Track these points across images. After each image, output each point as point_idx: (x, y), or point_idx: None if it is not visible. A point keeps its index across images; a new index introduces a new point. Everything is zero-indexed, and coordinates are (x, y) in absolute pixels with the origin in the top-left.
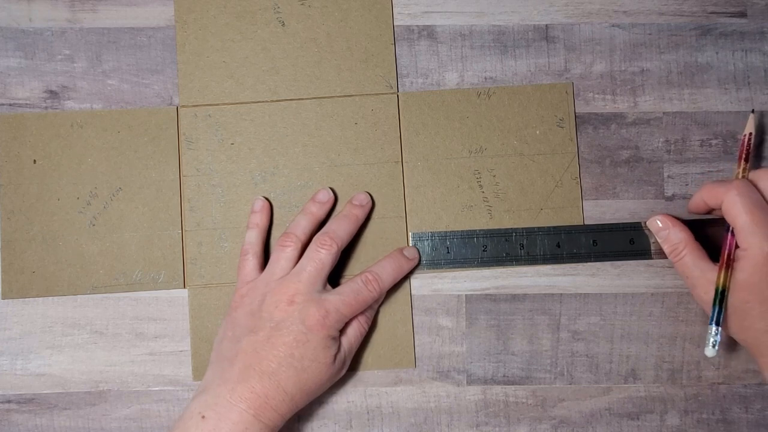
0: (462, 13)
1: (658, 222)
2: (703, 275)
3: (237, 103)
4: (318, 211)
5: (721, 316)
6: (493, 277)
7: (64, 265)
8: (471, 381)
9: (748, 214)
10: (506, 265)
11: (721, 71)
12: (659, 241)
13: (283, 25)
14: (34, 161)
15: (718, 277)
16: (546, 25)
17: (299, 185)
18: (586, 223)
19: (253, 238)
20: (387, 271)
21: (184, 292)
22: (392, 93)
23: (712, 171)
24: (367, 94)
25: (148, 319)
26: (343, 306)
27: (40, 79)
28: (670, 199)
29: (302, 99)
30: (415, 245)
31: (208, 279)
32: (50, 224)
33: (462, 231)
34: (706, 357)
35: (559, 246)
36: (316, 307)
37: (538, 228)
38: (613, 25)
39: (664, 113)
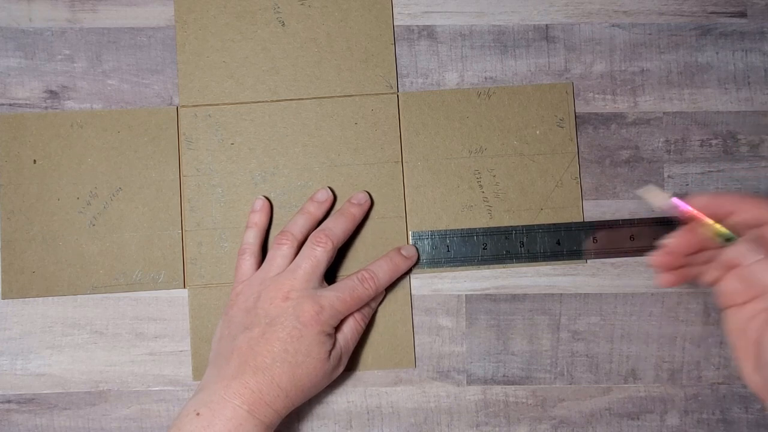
0: (462, 13)
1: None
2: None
3: (237, 103)
4: (316, 210)
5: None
6: (493, 277)
7: (64, 265)
8: (471, 381)
9: None
10: (506, 263)
11: (721, 71)
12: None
13: (283, 25)
14: (34, 161)
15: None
16: (546, 25)
17: (299, 185)
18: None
19: (251, 238)
20: (383, 269)
21: (184, 292)
22: (392, 93)
23: (712, 171)
24: (367, 94)
25: (148, 319)
26: (337, 302)
27: (40, 79)
28: None
29: (302, 99)
30: (414, 244)
31: (208, 279)
32: (50, 224)
33: (462, 229)
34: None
35: (559, 243)
36: (310, 303)
37: (538, 226)
38: (613, 25)
39: (664, 113)
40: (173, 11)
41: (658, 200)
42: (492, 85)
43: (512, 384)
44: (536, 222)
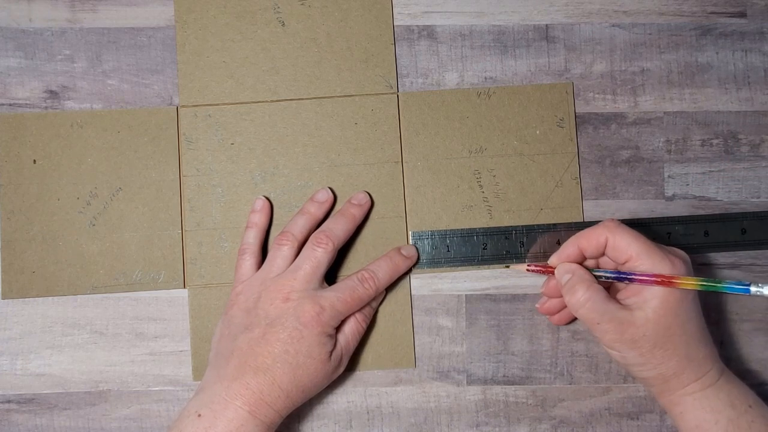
0: (462, 13)
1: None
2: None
3: (237, 103)
4: (316, 211)
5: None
6: (493, 277)
7: (64, 265)
8: (471, 381)
9: (639, 237)
10: (507, 263)
11: (722, 71)
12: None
13: (283, 25)
14: (34, 161)
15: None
16: (546, 25)
17: (299, 185)
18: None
19: (251, 238)
20: (383, 269)
21: (184, 292)
22: (392, 93)
23: (713, 171)
24: (367, 94)
25: (148, 319)
26: (338, 302)
27: (40, 79)
28: (671, 199)
29: (302, 99)
30: (415, 244)
31: (208, 279)
32: (50, 224)
33: (462, 229)
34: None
35: (559, 243)
36: (310, 304)
37: (538, 225)
38: (613, 25)
39: (664, 113)
40: (173, 11)
41: (521, 269)
42: (492, 85)
43: (512, 384)
44: (536, 222)
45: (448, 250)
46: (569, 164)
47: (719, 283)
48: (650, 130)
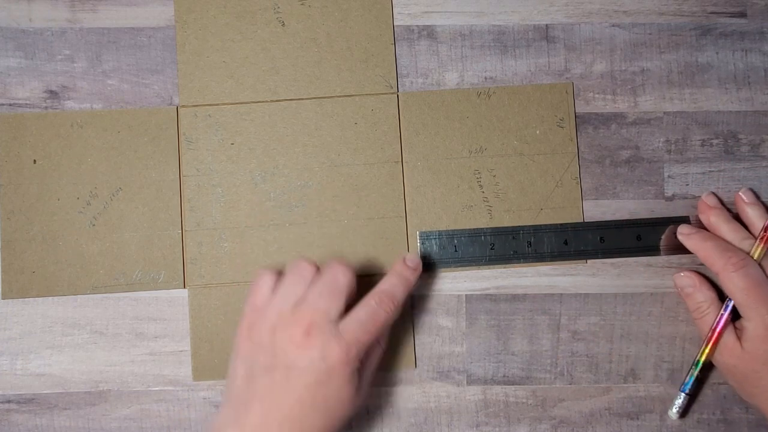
0: (462, 13)
1: (683, 276)
2: (720, 340)
3: (237, 103)
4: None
5: (692, 387)
6: (493, 277)
7: (64, 265)
8: (471, 381)
9: (745, 291)
10: (514, 263)
11: (722, 71)
12: (683, 295)
13: (283, 25)
14: (34, 161)
15: (702, 351)
16: (546, 25)
17: (299, 185)
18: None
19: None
20: (396, 287)
21: (184, 292)
22: (392, 93)
23: (713, 171)
24: (367, 94)
25: (148, 319)
26: (363, 335)
27: (40, 79)
28: (670, 199)
29: (302, 99)
30: (422, 244)
31: (208, 279)
32: (50, 224)
33: (469, 230)
34: (665, 411)
35: (566, 243)
36: (335, 343)
37: (545, 226)
38: (613, 25)
39: (664, 113)
40: (173, 11)
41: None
42: (492, 85)
43: (512, 384)
44: (536, 222)
45: (456, 250)
46: (569, 164)
47: None
48: (650, 130)
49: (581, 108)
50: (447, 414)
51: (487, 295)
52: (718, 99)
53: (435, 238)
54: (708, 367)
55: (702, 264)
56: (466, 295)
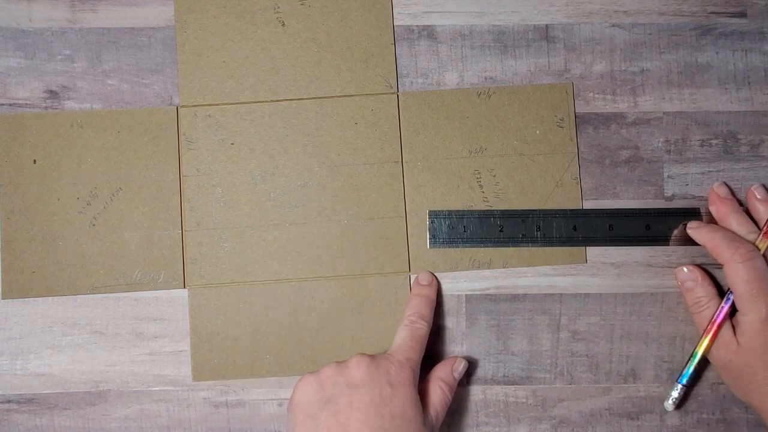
0: (462, 13)
1: (686, 270)
2: (719, 332)
3: (237, 103)
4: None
5: (689, 379)
6: (493, 277)
7: (64, 265)
8: (471, 381)
9: (748, 283)
10: (522, 246)
11: (721, 71)
12: (683, 290)
13: (283, 25)
14: (34, 161)
15: (700, 343)
16: (546, 25)
17: (299, 185)
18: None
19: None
20: (420, 306)
21: (184, 292)
22: (392, 93)
23: (712, 171)
24: (367, 94)
25: (148, 319)
26: (409, 351)
27: (40, 79)
28: (670, 199)
29: (302, 99)
30: (431, 222)
31: (208, 279)
32: (50, 224)
33: (479, 211)
34: (664, 410)
35: (575, 229)
36: (391, 363)
37: (555, 210)
38: (613, 25)
39: (664, 113)
40: (173, 11)
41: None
42: (492, 85)
43: (512, 384)
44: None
45: (465, 230)
46: (569, 164)
47: None
48: (650, 130)
49: (581, 108)
50: (447, 414)
51: (487, 295)
52: (718, 99)
53: (445, 218)
54: (706, 360)
55: (702, 261)
56: (466, 295)
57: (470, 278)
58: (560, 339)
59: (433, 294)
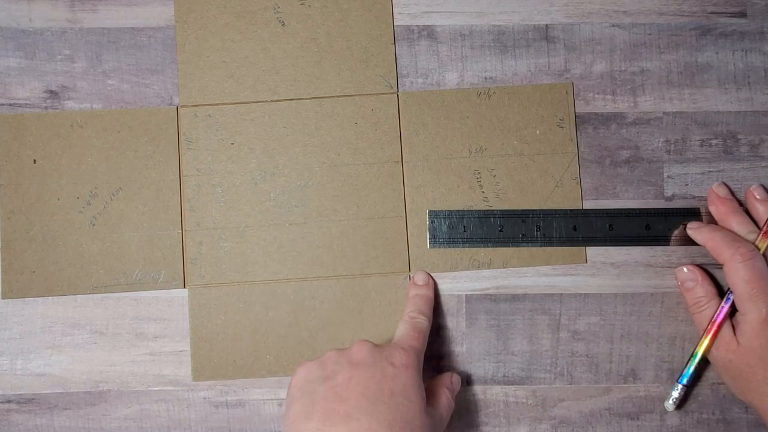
0: (462, 13)
1: (686, 270)
2: (719, 332)
3: (237, 103)
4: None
5: (689, 379)
6: (493, 277)
7: (64, 265)
8: (471, 381)
9: (748, 283)
10: (522, 246)
11: (721, 71)
12: (683, 290)
13: (283, 25)
14: (34, 161)
15: (700, 343)
16: (546, 25)
17: (299, 185)
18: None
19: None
20: (419, 304)
21: (184, 292)
22: (392, 93)
23: (712, 171)
24: (367, 94)
25: (148, 319)
26: (412, 340)
27: (40, 79)
28: (670, 199)
29: (302, 99)
30: (432, 222)
31: (208, 279)
32: (50, 224)
33: (479, 211)
34: (664, 410)
35: (575, 229)
36: (393, 348)
37: (555, 210)
38: (613, 25)
39: (664, 113)
40: (173, 11)
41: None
42: (492, 85)
43: (512, 384)
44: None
45: (465, 230)
46: (569, 164)
47: None
48: (650, 130)
49: (581, 108)
50: None
51: (486, 295)
52: (718, 99)
53: (445, 218)
54: (706, 359)
55: (702, 261)
56: (465, 295)
57: (470, 278)
58: (560, 339)
59: (430, 293)
